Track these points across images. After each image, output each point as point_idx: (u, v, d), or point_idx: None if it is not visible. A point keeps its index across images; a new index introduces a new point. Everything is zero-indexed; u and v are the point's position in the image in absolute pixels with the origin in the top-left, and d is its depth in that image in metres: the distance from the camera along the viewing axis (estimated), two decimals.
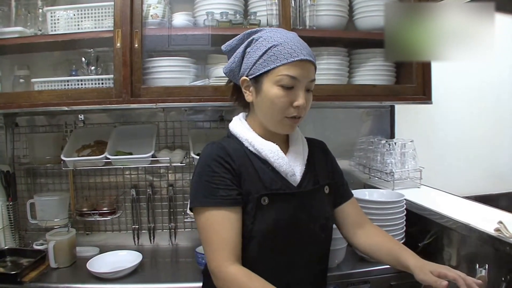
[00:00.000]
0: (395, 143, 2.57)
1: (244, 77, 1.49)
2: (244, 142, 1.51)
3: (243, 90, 1.52)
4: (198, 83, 2.20)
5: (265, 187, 1.44)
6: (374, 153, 2.61)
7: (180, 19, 2.19)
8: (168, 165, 2.27)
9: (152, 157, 2.22)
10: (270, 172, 1.48)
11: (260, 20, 2.22)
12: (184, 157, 2.34)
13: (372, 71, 2.41)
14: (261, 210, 1.42)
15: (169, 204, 2.47)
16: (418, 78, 2.37)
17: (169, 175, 2.52)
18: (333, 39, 2.37)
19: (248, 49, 1.48)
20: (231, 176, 1.42)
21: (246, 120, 1.58)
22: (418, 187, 2.53)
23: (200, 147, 1.72)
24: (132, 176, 2.51)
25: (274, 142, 1.50)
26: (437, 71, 2.44)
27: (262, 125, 1.52)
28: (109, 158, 2.18)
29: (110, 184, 2.49)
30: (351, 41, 2.44)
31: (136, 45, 2.04)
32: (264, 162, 1.49)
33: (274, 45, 1.41)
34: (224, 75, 1.63)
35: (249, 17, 2.24)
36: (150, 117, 2.51)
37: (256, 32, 1.51)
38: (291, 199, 1.48)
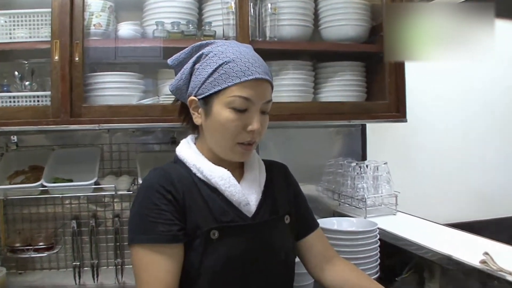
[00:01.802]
0: (367, 166, 2.57)
1: (192, 97, 1.47)
2: (191, 168, 1.48)
3: (191, 111, 1.50)
4: (147, 101, 2.21)
5: (215, 219, 1.42)
6: (344, 177, 2.59)
7: (126, 29, 2.20)
8: (114, 193, 2.26)
9: (95, 185, 2.19)
10: (221, 201, 1.45)
11: (215, 31, 2.24)
12: (132, 184, 2.33)
13: (340, 87, 2.43)
14: (210, 245, 1.39)
15: (115, 237, 2.42)
16: (391, 94, 2.40)
17: (115, 204, 2.50)
18: (297, 52, 2.41)
19: (196, 65, 1.46)
20: (173, 209, 1.39)
21: (195, 143, 1.57)
22: (394, 214, 2.54)
23: None
24: (73, 206, 2.47)
25: (226, 168, 1.48)
26: (410, 85, 2.48)
27: (212, 150, 1.51)
28: (45, 186, 2.14)
29: (47, 216, 2.45)
30: (317, 53, 2.47)
31: (77, 58, 2.03)
32: (214, 190, 1.46)
33: (225, 61, 1.39)
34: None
35: (203, 27, 2.25)
36: (94, 139, 2.49)
37: (206, 45, 1.50)
38: (245, 232, 1.45)
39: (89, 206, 2.50)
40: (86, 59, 2.08)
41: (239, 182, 1.49)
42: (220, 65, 1.39)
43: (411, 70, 2.50)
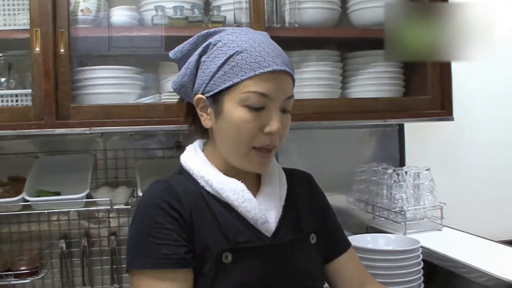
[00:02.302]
0: (405, 173, 2.53)
1: (199, 95, 1.41)
2: (199, 180, 1.43)
3: (199, 112, 1.45)
4: (147, 99, 2.18)
5: (227, 240, 1.36)
6: (378, 186, 2.56)
7: (120, 15, 2.16)
8: (109, 207, 2.22)
9: (86, 198, 2.16)
10: (234, 219, 1.39)
11: (225, 17, 2.20)
12: (130, 197, 2.29)
13: (373, 80, 2.38)
14: (223, 270, 1.33)
15: (111, 259, 2.39)
16: (434, 88, 2.34)
17: (111, 220, 2.47)
18: (322, 40, 2.37)
19: (203, 58, 1.41)
20: (179, 228, 1.33)
21: (204, 150, 1.53)
22: (439, 230, 2.47)
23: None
24: (61, 222, 2.42)
25: (240, 179, 1.42)
26: (456, 76, 2.42)
27: (224, 158, 1.46)
28: (28, 200, 2.10)
29: (31, 235, 2.40)
30: (345, 41, 2.42)
31: (62, 50, 1.98)
32: (226, 206, 1.40)
33: (237, 51, 1.34)
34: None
35: (211, 12, 2.23)
36: (86, 145, 2.47)
37: (214, 33, 1.44)
38: (263, 255, 1.39)
39: (81, 223, 2.45)
40: (74, 51, 2.04)
41: (255, 196, 1.45)
42: (230, 56, 1.34)
43: None
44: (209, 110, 1.42)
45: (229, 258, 1.33)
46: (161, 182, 1.43)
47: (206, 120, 1.43)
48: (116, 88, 2.14)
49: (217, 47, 1.38)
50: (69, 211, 2.38)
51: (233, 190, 1.39)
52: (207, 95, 1.39)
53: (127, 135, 2.48)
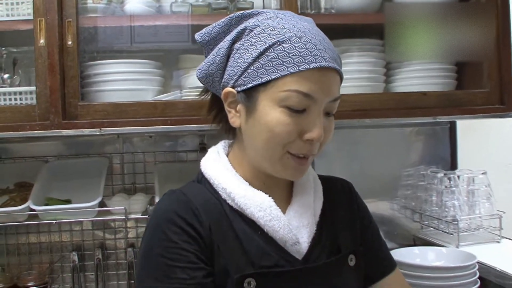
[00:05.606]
0: (458, 177, 2.42)
1: (229, 88, 1.30)
2: (220, 193, 1.32)
3: (226, 107, 1.34)
4: (165, 96, 2.09)
5: (251, 263, 1.26)
6: (427, 192, 2.46)
7: (136, 2, 2.06)
8: (124, 217, 2.14)
9: (99, 206, 2.10)
10: (260, 239, 1.29)
11: (253, 3, 2.13)
12: (148, 205, 2.20)
13: (421, 72, 2.26)
14: None
15: (129, 273, 2.32)
16: (492, 79, 2.20)
17: (129, 230, 2.40)
18: (362, 27, 2.26)
19: (236, 45, 1.30)
20: (197, 248, 1.24)
21: (228, 153, 1.43)
22: (498, 242, 2.34)
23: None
24: (74, 233, 2.36)
25: (268, 191, 1.32)
26: None
27: (253, 163, 1.36)
28: (34, 210, 2.03)
29: (40, 246, 2.34)
30: None
31: (70, 42, 1.91)
32: (251, 223, 1.30)
33: (278, 41, 1.22)
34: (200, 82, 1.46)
35: None
36: (101, 147, 2.41)
37: (250, 16, 1.33)
38: (293, 281, 1.29)
39: (95, 233, 2.39)
40: (83, 43, 1.98)
41: (285, 210, 1.36)
42: (270, 46, 1.24)
43: None
44: (239, 106, 1.32)
45: (251, 285, 1.24)
46: (177, 193, 1.34)
47: (235, 117, 1.34)
48: (131, 84, 2.06)
49: (254, 34, 1.27)
50: (82, 220, 2.32)
51: (258, 206, 1.30)
52: (239, 89, 1.29)
53: (146, 136, 2.43)
